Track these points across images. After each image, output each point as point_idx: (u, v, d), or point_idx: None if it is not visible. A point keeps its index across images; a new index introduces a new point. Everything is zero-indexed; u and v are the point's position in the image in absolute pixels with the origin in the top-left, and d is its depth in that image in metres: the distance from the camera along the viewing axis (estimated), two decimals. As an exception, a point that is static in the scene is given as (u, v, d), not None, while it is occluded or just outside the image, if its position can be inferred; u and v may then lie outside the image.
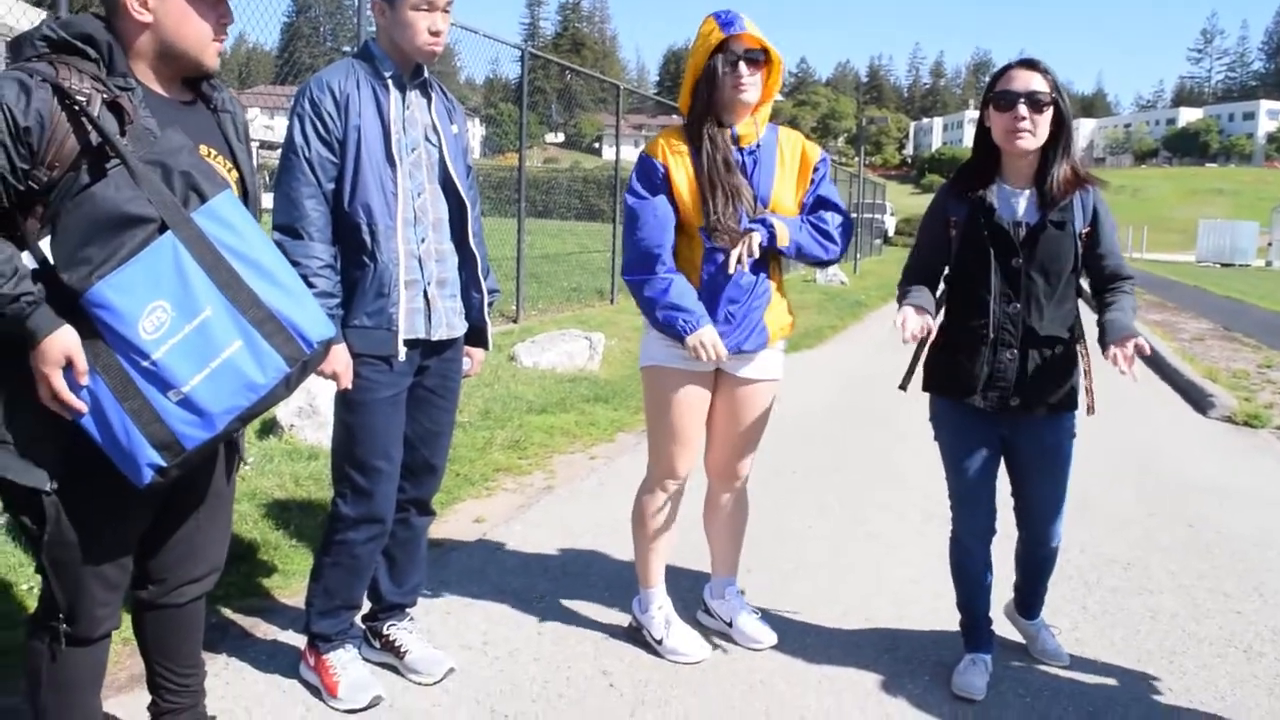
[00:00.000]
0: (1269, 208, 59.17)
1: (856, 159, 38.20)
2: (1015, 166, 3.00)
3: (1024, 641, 3.50)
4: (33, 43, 2.01)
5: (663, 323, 3.02)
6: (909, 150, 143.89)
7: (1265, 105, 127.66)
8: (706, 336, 2.99)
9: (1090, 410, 3.12)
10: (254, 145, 2.27)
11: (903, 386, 3.26)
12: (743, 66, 2.96)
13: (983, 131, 3.03)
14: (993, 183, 3.01)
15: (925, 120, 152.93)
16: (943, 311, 3.18)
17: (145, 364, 1.93)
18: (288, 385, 2.07)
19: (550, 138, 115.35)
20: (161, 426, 1.95)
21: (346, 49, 3.14)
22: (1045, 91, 2.87)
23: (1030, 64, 2.92)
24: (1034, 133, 2.88)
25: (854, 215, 29.35)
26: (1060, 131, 2.93)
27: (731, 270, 2.98)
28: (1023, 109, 2.86)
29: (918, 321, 2.86)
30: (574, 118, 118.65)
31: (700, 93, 3.02)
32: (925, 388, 3.21)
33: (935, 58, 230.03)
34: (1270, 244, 49.96)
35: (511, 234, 11.13)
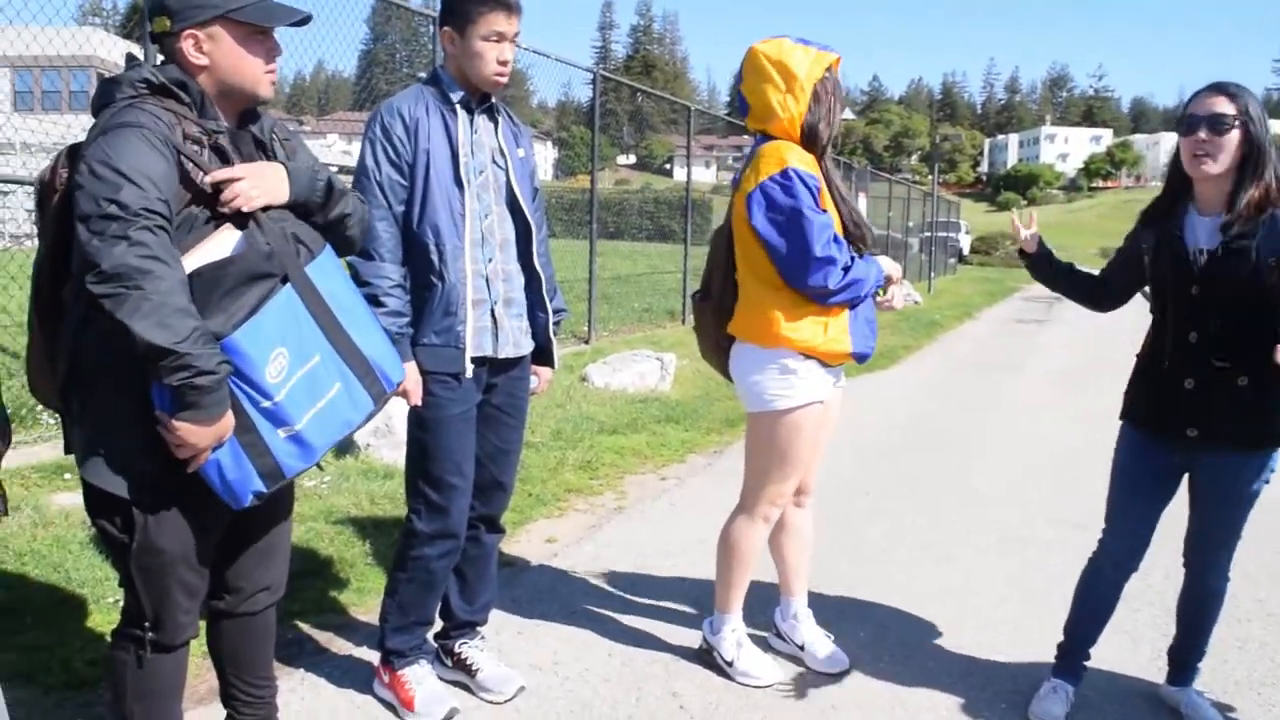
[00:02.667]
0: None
1: (930, 177, 37.75)
2: (1204, 192, 2.89)
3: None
4: (133, 84, 2.10)
5: (873, 283, 3.09)
6: (984, 168, 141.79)
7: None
8: (889, 262, 3.18)
9: None
10: (333, 169, 2.35)
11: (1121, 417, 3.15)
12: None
13: (1176, 158, 2.95)
14: (1184, 209, 2.94)
15: (1000, 137, 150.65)
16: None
17: (267, 404, 2.08)
18: (368, 419, 2.28)
19: (621, 159, 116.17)
20: (270, 459, 2.10)
21: (421, 75, 3.21)
22: (1230, 115, 2.76)
23: (1218, 88, 2.82)
24: (1214, 156, 2.78)
25: (928, 234, 29.10)
26: (1250, 155, 2.79)
27: (899, 304, 3.29)
28: (1203, 133, 2.77)
29: (1028, 231, 3.26)
30: (645, 139, 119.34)
31: (826, 109, 3.06)
32: (1120, 415, 3.14)
33: (1010, 73, 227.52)
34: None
35: (583, 255, 11.20)
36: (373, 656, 3.19)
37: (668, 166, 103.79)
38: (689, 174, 14.00)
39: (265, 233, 2.11)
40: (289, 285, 2.11)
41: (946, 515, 5.33)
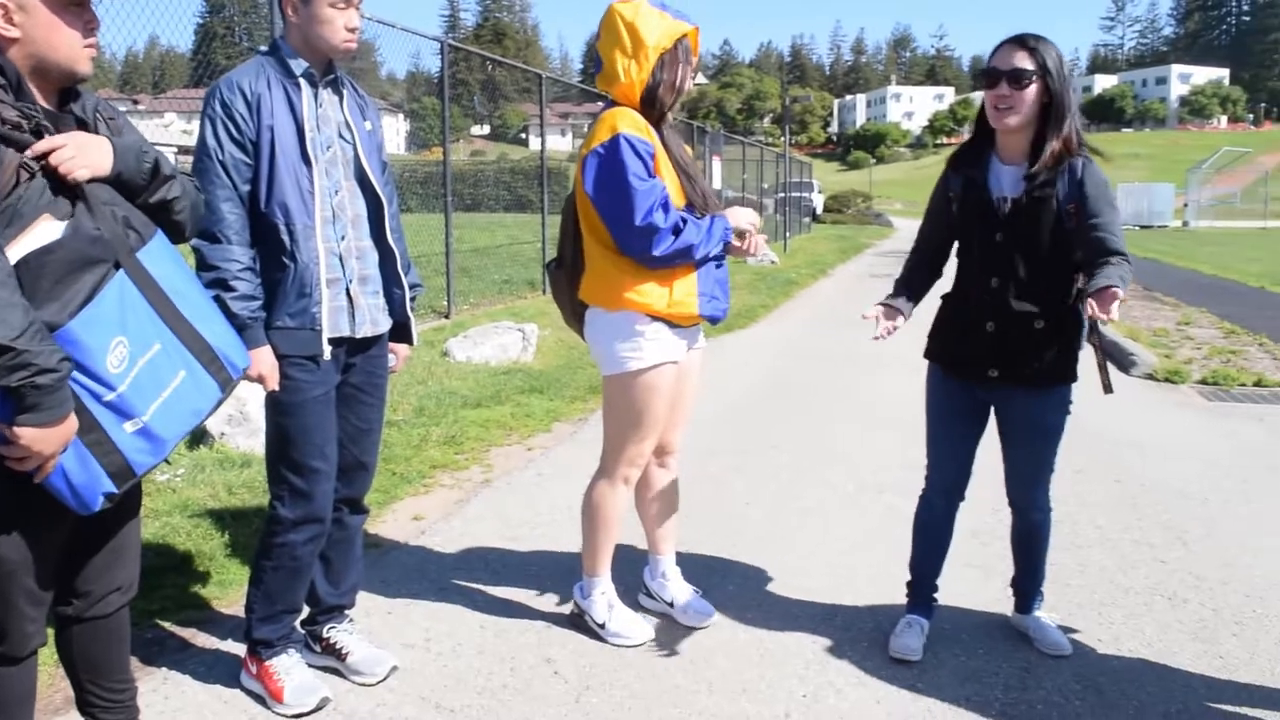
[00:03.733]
0: (1184, 169, 60.82)
1: (783, 139, 38.42)
2: (1007, 142, 3.03)
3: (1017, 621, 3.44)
4: None
5: (715, 242, 3.08)
6: (834, 128, 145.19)
7: (1176, 69, 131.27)
8: (743, 213, 3.18)
9: (1107, 389, 3.02)
10: (172, 151, 2.25)
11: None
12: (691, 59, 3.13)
13: (982, 108, 3.06)
14: (988, 158, 3.07)
15: (849, 97, 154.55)
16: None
17: (110, 397, 2.00)
18: (216, 408, 2.24)
19: (476, 130, 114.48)
20: (117, 456, 2.03)
21: (263, 48, 3.09)
22: (1029, 69, 2.88)
23: (1019, 41, 2.94)
24: (1015, 109, 2.91)
25: (782, 195, 29.67)
26: (1051, 107, 2.92)
27: (754, 253, 3.24)
28: (1004, 86, 2.90)
29: (885, 323, 3.12)
30: (499, 109, 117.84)
31: (664, 76, 3.06)
32: (926, 355, 3.29)
33: (856, 34, 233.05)
34: (1186, 205, 51.35)
35: (440, 229, 11.04)
36: (239, 649, 3.12)
37: (523, 136, 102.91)
38: (543, 143, 13.92)
39: (95, 216, 2.01)
40: (121, 271, 2.03)
41: (807, 469, 5.50)
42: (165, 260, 2.16)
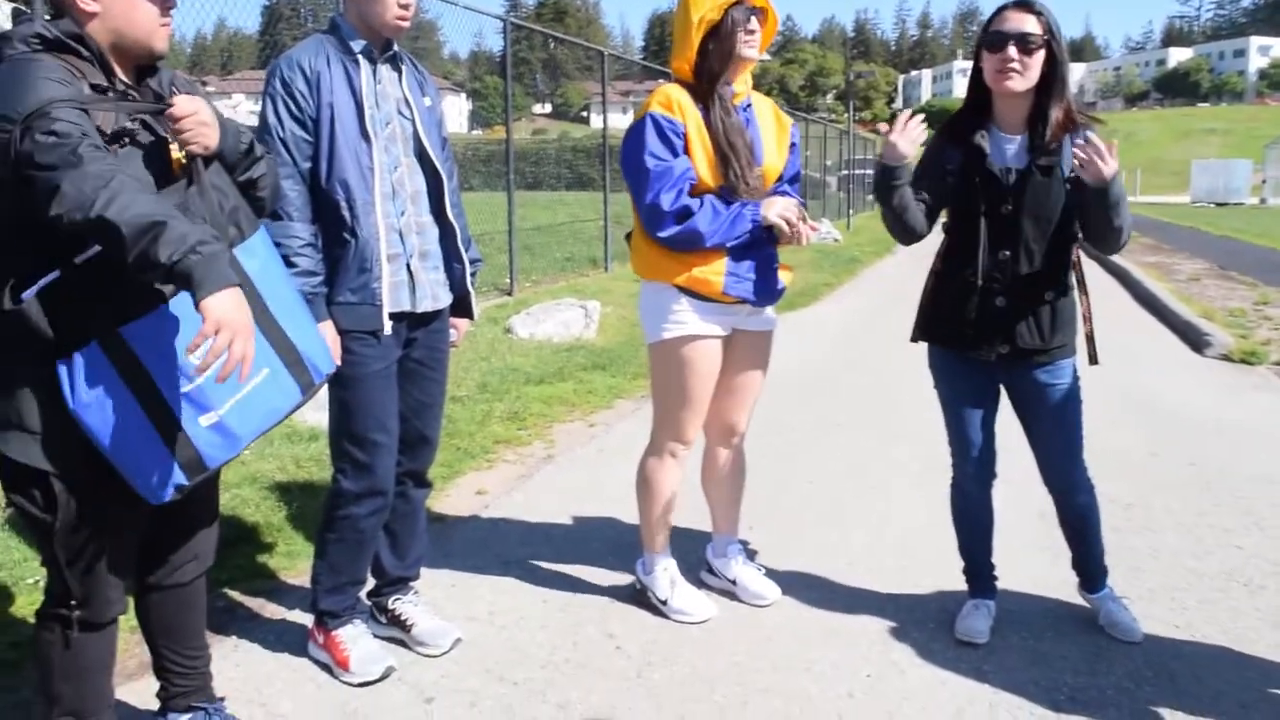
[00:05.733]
0: (1262, 145, 58.83)
1: (846, 115, 37.94)
2: (1008, 110, 2.95)
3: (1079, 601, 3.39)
4: (25, 40, 2.00)
5: (738, 232, 3.03)
6: (898, 104, 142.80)
7: (1256, 42, 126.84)
8: (780, 204, 3.05)
9: (1093, 360, 3.09)
10: (244, 129, 2.27)
11: (915, 339, 3.21)
12: (754, 21, 2.99)
13: (977, 75, 2.97)
14: (986, 128, 2.98)
15: (914, 73, 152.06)
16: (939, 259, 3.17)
17: (188, 388, 2.00)
18: (295, 409, 2.23)
19: (538, 109, 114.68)
20: (191, 449, 2.03)
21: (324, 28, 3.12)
22: (1037, 33, 2.81)
23: (1024, 5, 2.86)
24: (1023, 74, 2.83)
25: (845, 172, 29.33)
26: (1054, 75, 2.86)
27: (804, 243, 3.10)
28: (1012, 50, 2.81)
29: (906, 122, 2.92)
30: (560, 87, 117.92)
31: (713, 49, 3.00)
32: (921, 338, 3.21)
33: (922, 8, 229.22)
34: (1264, 181, 49.75)
35: (502, 207, 11.09)
36: (306, 620, 3.17)
37: (584, 114, 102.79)
38: (604, 120, 13.91)
39: (204, 200, 2.03)
40: None
41: (871, 447, 5.44)
42: (263, 257, 2.16)
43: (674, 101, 3.01)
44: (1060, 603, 3.44)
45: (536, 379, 6.85)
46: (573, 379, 6.96)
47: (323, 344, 2.27)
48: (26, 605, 3.23)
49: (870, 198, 37.86)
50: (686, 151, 3.01)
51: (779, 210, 3.04)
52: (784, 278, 3.25)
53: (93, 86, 2.01)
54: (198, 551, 2.41)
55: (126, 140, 2.02)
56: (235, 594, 3.49)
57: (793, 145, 3.27)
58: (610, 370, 7.27)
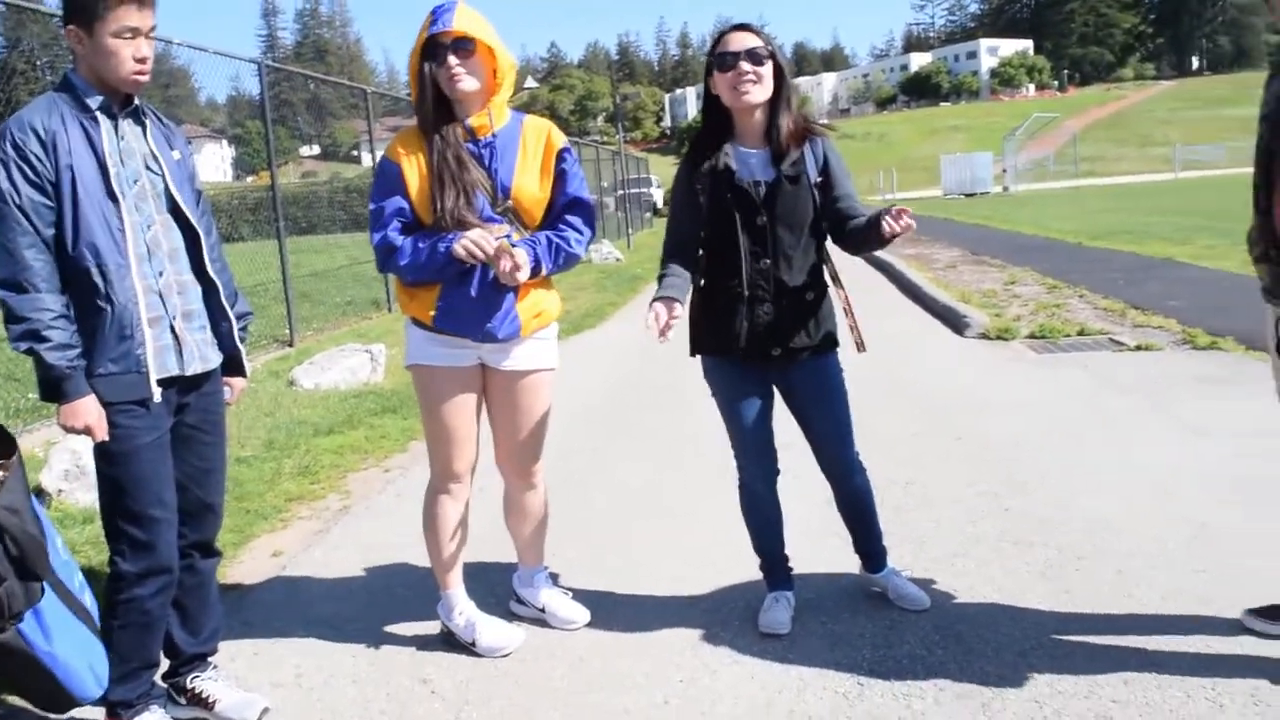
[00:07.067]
0: (1000, 137, 64.05)
1: (617, 136, 38.65)
2: (746, 126, 3.14)
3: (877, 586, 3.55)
4: None
5: (436, 265, 3.02)
6: (666, 122, 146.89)
7: (984, 44, 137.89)
8: (473, 235, 2.98)
9: (860, 348, 3.32)
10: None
11: (693, 353, 3.35)
12: (451, 58, 2.96)
13: (711, 99, 3.16)
14: (728, 147, 3.14)
15: (679, 91, 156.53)
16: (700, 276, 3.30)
17: None
18: None
19: (305, 150, 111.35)
20: None
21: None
22: (761, 46, 3.04)
23: (743, 26, 3.10)
24: (759, 82, 3.04)
25: (621, 192, 29.87)
26: (781, 87, 3.09)
27: (521, 277, 3.00)
28: (745, 65, 3.02)
29: (665, 315, 3.01)
30: (327, 128, 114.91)
31: (423, 90, 3.02)
32: (694, 351, 3.34)
33: (680, 29, 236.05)
34: (1005, 171, 54.11)
35: (274, 256, 10.73)
36: (98, 713, 2.98)
37: (355, 153, 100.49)
38: (374, 158, 13.64)
39: None
40: None
41: (664, 462, 5.58)
42: None
43: (400, 142, 3.11)
44: (855, 584, 3.64)
45: (325, 429, 6.65)
46: (363, 425, 6.79)
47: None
48: None
49: (648, 215, 38.71)
50: (403, 191, 3.06)
51: (463, 241, 2.96)
52: (529, 312, 3.16)
53: None
54: None
55: None
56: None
57: (561, 172, 3.19)
58: (402, 412, 7.14)
